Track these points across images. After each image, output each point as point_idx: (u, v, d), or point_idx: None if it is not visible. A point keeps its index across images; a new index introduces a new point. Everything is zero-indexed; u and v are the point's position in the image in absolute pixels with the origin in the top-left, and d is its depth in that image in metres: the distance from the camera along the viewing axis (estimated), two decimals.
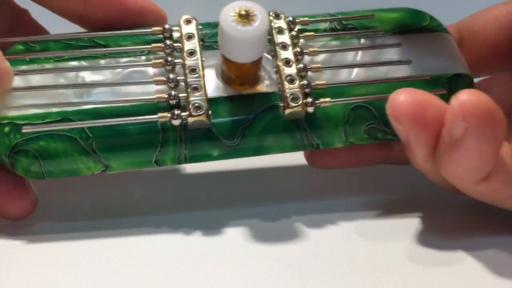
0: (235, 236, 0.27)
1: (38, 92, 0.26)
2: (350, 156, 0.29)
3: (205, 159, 0.27)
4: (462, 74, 0.28)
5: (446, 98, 0.27)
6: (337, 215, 0.28)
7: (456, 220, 0.29)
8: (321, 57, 0.28)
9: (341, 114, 0.27)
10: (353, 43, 0.28)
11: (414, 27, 0.29)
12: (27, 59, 0.26)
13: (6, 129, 0.25)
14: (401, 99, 0.24)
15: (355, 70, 0.28)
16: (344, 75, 0.28)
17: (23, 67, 0.26)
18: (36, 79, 0.26)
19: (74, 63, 0.27)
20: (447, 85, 0.28)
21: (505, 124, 0.24)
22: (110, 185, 0.30)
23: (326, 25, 0.29)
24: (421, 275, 0.25)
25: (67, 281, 0.24)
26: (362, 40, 0.28)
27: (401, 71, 0.28)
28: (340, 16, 0.29)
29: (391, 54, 0.28)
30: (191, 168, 0.32)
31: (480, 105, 0.23)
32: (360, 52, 0.28)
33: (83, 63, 0.27)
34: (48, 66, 0.26)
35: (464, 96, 0.23)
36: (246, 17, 0.25)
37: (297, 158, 0.30)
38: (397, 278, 0.25)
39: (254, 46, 0.25)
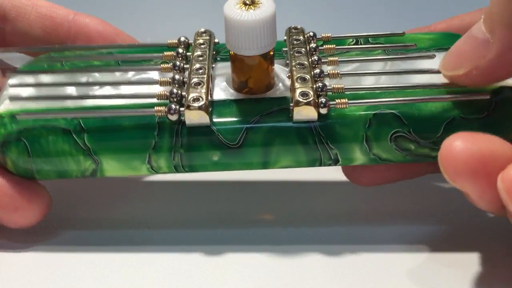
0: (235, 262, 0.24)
1: (45, 89, 0.26)
2: (392, 170, 0.25)
3: (204, 164, 0.24)
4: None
5: (491, 105, 0.24)
6: (367, 247, 0.23)
7: None
8: (343, 68, 0.25)
9: (361, 119, 0.24)
10: (380, 55, 0.26)
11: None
12: (45, 65, 0.27)
13: (6, 120, 0.25)
14: (457, 147, 0.20)
15: (382, 78, 0.25)
16: (368, 83, 0.25)
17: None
18: (46, 79, 0.26)
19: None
20: (491, 90, 0.24)
21: None
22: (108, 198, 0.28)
23: (351, 41, 0.27)
24: None
25: None
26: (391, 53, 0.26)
27: (435, 81, 0.24)
28: (367, 34, 0.27)
29: (424, 65, 0.25)
30: (193, 182, 0.29)
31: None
32: (388, 63, 0.25)
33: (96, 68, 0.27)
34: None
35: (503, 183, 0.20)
36: (251, 4, 0.24)
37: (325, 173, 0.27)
38: None
39: (260, 33, 0.24)
